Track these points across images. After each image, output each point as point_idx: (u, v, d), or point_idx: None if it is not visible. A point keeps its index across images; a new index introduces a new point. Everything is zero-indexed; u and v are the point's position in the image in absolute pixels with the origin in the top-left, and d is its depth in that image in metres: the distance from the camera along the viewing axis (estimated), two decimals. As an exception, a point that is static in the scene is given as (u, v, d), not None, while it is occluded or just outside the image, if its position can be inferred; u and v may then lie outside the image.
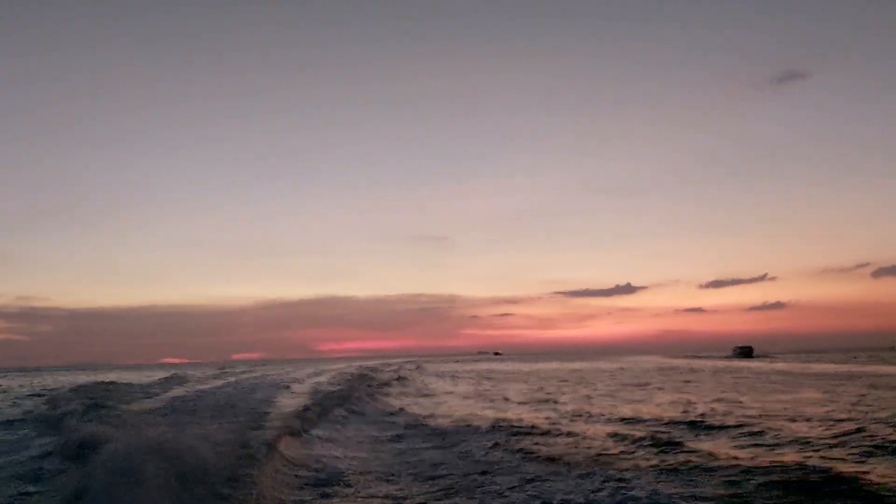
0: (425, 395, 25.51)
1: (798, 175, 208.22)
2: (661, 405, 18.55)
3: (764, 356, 78.54)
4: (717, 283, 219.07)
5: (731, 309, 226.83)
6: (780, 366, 47.69)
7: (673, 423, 13.96)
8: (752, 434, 12.01)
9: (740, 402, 19.00)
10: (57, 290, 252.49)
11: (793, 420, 14.06)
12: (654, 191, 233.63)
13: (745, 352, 78.21)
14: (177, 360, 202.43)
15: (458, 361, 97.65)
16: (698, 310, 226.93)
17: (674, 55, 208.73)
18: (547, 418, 15.43)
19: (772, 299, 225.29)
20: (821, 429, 12.50)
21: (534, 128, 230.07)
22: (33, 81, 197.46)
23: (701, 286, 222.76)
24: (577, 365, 62.66)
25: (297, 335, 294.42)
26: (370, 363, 66.54)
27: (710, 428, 13.03)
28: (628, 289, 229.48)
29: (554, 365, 64.75)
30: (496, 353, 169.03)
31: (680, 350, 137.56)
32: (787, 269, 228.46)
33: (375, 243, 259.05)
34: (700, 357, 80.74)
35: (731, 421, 13.87)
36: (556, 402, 20.59)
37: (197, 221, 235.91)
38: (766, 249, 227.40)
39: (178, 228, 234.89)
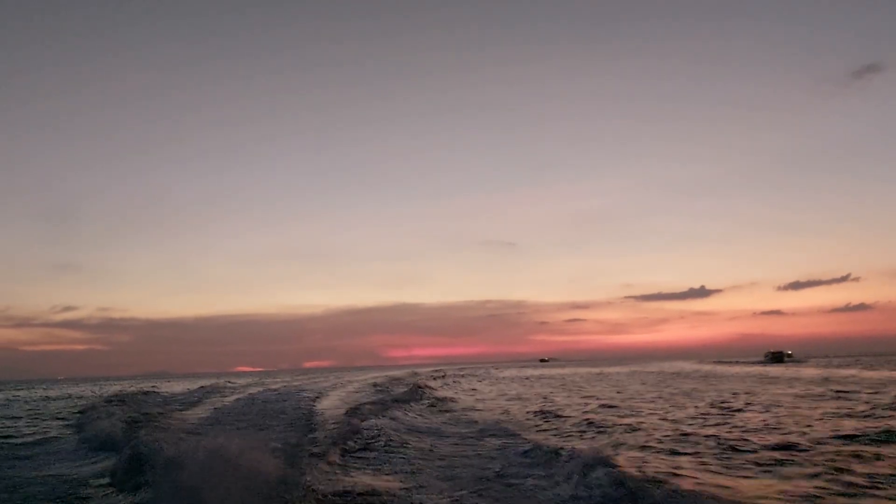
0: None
1: (880, 171, 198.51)
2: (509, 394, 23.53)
3: (797, 361, 78.24)
4: (796, 285, 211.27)
5: (811, 311, 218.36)
6: (788, 371, 48.80)
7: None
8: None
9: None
10: (135, 300, 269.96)
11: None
12: (729, 191, 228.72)
13: (777, 357, 78.22)
14: (251, 369, 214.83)
15: (496, 368, 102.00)
16: (777, 312, 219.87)
17: (747, 53, 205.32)
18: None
19: (855, 301, 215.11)
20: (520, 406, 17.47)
21: (604, 130, 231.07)
22: (114, 104, 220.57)
23: (779, 288, 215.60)
24: (597, 370, 65.79)
25: (367, 342, 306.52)
26: (398, 373, 72.26)
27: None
28: (702, 292, 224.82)
29: (567, 370, 68.21)
30: (542, 360, 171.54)
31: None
32: (871, 270, 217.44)
33: (444, 249, 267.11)
34: (730, 363, 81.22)
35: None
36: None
37: (268, 232, 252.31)
38: (848, 249, 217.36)
39: (251, 239, 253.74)
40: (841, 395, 21.60)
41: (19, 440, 15.63)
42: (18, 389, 63.26)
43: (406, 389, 27.56)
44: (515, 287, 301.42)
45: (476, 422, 16.18)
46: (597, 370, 68.47)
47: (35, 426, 19.64)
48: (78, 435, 15.86)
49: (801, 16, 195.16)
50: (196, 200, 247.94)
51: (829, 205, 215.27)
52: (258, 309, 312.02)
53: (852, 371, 42.90)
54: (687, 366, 71.35)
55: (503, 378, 52.67)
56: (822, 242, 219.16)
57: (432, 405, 21.52)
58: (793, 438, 11.38)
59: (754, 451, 10.22)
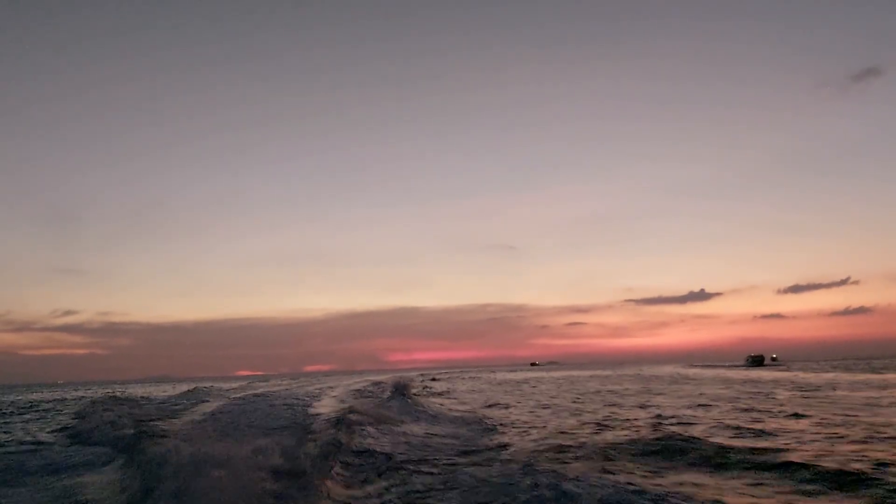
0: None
1: (880, 174, 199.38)
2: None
3: (777, 364, 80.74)
4: (796, 288, 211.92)
5: (812, 315, 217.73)
6: (749, 374, 51.40)
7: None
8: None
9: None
10: (135, 305, 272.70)
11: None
12: (728, 193, 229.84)
13: (757, 360, 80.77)
14: (251, 372, 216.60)
15: (492, 372, 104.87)
16: (777, 316, 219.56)
17: (748, 55, 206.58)
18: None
19: (855, 304, 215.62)
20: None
21: (603, 133, 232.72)
22: (114, 109, 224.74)
23: (779, 291, 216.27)
24: (572, 373, 68.82)
25: (368, 346, 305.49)
26: (384, 378, 75.64)
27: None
28: (702, 295, 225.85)
29: (547, 374, 71.33)
30: (533, 364, 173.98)
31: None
32: (871, 273, 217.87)
33: (444, 253, 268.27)
34: (711, 367, 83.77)
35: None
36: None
37: (268, 235, 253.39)
38: (848, 252, 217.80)
39: (251, 243, 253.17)
40: (742, 393, 24.96)
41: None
42: (31, 393, 67.39)
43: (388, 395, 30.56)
44: (516, 290, 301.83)
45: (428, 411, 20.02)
46: (573, 373, 71.53)
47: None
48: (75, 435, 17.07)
49: (802, 18, 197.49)
50: (196, 204, 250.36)
51: (829, 207, 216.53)
52: (259, 313, 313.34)
53: (792, 373, 46.01)
54: (668, 370, 74.14)
55: (479, 380, 56.00)
56: (822, 245, 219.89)
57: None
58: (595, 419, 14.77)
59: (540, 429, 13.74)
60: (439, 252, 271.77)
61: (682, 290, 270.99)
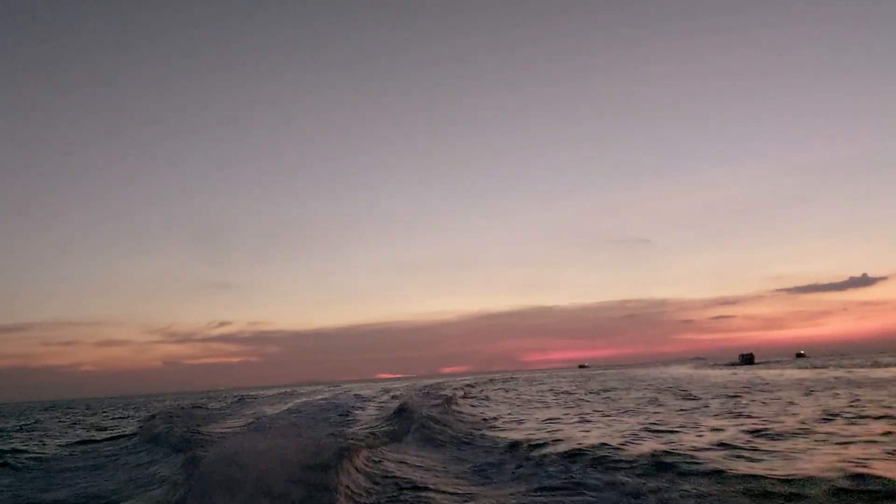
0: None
1: None
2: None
3: (765, 362, 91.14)
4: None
5: None
6: (716, 372, 62.55)
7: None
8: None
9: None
10: (281, 314, 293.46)
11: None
12: (885, 171, 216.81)
13: (747, 359, 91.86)
14: (391, 375, 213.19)
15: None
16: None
17: None
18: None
19: None
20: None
21: (745, 108, 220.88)
22: (253, 138, 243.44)
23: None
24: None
25: (502, 347, 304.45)
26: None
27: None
28: (865, 280, 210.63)
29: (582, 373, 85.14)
30: (581, 366, 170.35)
31: None
32: None
33: (574, 250, 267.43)
34: (718, 367, 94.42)
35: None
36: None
37: (399, 242, 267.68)
38: None
39: (383, 250, 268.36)
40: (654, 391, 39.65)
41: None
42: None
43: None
44: (654, 285, 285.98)
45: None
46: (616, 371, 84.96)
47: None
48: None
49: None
50: (331, 218, 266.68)
51: None
52: (394, 317, 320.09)
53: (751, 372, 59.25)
54: (675, 370, 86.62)
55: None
56: None
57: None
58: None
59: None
60: (570, 250, 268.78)
61: (841, 275, 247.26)
